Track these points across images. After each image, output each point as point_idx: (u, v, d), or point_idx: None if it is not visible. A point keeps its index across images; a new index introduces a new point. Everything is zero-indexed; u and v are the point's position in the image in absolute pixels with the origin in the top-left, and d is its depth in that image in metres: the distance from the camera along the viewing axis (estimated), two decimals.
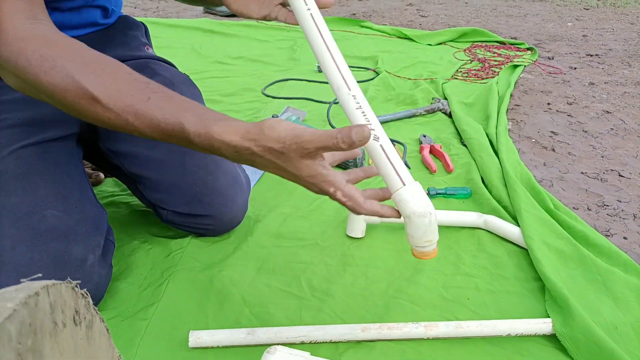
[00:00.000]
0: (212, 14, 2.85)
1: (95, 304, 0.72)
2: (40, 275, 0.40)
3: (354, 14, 2.87)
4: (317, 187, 0.56)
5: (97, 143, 0.87)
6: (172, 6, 3.06)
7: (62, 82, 0.54)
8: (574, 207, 1.05)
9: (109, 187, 1.10)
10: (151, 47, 0.98)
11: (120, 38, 0.89)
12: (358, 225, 0.92)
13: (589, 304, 0.76)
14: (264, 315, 0.75)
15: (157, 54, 0.98)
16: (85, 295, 0.37)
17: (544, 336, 0.72)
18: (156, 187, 0.85)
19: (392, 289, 0.81)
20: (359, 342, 0.70)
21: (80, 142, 0.85)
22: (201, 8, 2.97)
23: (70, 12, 0.81)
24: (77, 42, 0.58)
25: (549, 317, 0.74)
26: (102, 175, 1.11)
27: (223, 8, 2.78)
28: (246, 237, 0.93)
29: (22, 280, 0.30)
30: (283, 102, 1.57)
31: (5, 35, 0.55)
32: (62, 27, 0.78)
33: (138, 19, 0.98)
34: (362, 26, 2.55)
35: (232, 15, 2.77)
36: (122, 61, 0.84)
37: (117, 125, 0.56)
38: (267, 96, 1.64)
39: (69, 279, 0.34)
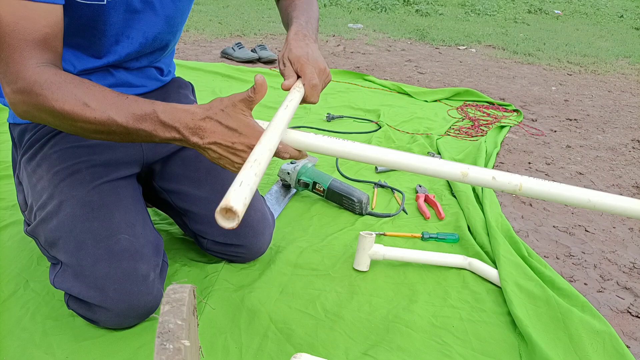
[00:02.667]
0: (228, 59, 3.09)
1: (153, 312, 0.89)
2: (185, 280, 0.58)
3: (358, 67, 3.12)
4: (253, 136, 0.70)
5: (152, 182, 1.05)
6: (190, 49, 3.31)
7: (63, 96, 0.70)
8: (545, 256, 1.24)
9: (151, 216, 1.28)
10: (197, 102, 1.17)
11: (174, 96, 1.08)
12: (363, 260, 1.10)
13: (549, 340, 0.93)
14: (287, 331, 0.92)
15: None
16: (197, 297, 0.56)
17: None
18: (200, 220, 1.03)
19: (391, 315, 0.98)
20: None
21: (139, 181, 1.04)
22: (217, 52, 3.21)
23: (136, 71, 1.01)
24: (79, 78, 0.74)
25: (519, 348, 0.92)
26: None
27: (239, 54, 3.03)
28: (269, 265, 1.10)
29: (172, 282, 0.49)
30: None
31: (24, 71, 0.71)
32: (129, 85, 0.98)
33: None
34: (366, 79, 2.80)
35: (248, 61, 3.01)
36: None
37: (100, 121, 0.70)
38: None
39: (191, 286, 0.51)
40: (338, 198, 1.36)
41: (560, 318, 0.99)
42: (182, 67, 2.71)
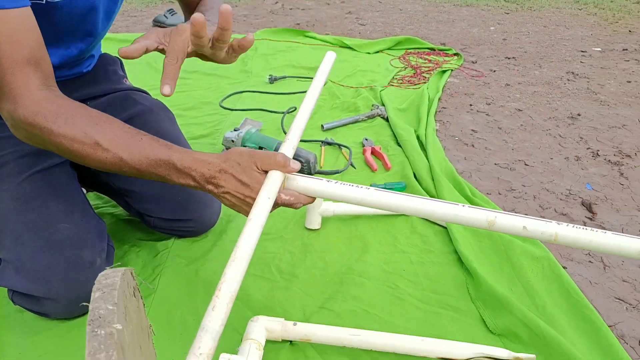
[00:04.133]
0: (161, 27, 2.96)
1: None
2: (119, 263, 0.57)
3: (298, 24, 3.06)
4: None
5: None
6: (120, 20, 3.14)
7: (71, 133, 0.68)
8: (487, 193, 1.29)
9: (92, 200, 1.24)
10: (127, 77, 1.13)
11: (103, 74, 1.04)
12: (314, 218, 1.12)
13: (494, 272, 0.99)
14: (244, 297, 0.94)
15: None
16: (137, 278, 0.55)
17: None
18: (143, 199, 1.01)
19: (344, 268, 1.01)
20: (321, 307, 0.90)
21: (73, 166, 1.00)
22: (149, 21, 3.07)
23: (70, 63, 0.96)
24: (81, 104, 0.73)
25: (466, 283, 0.97)
26: (84, 190, 1.25)
27: (172, 21, 2.90)
28: (221, 235, 1.10)
29: (106, 267, 0.48)
30: (240, 114, 1.75)
31: (23, 100, 0.69)
32: (61, 66, 0.93)
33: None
34: (307, 36, 2.75)
35: None
36: (107, 94, 1.00)
37: (110, 162, 0.70)
38: (225, 108, 1.81)
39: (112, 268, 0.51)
40: None
41: (502, 250, 1.04)
42: (112, 41, 2.58)
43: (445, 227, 1.12)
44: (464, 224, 0.68)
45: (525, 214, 1.20)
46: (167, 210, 1.01)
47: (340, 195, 0.73)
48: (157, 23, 2.99)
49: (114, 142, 0.70)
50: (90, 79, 0.99)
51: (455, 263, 1.03)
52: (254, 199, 0.70)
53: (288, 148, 0.79)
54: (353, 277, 0.98)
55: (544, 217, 1.19)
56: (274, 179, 0.72)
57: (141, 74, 2.15)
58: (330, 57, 0.98)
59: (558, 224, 0.65)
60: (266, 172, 0.72)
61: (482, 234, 1.09)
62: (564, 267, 1.01)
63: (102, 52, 1.09)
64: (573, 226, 0.65)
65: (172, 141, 1.00)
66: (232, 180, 0.71)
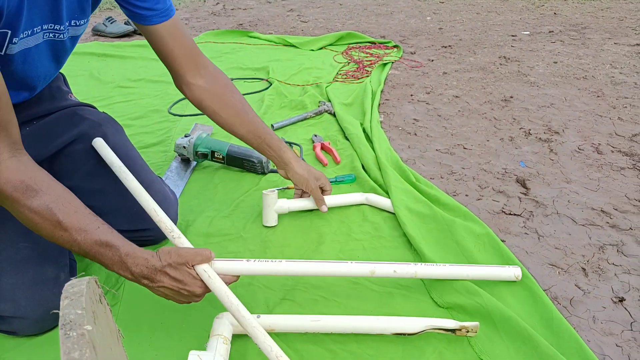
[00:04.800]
0: (101, 36, 2.90)
1: None
2: (83, 273, 0.61)
3: (241, 24, 3.08)
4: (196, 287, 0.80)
5: None
6: None
7: (38, 208, 0.73)
8: (431, 178, 1.38)
9: None
10: (71, 92, 1.13)
11: (47, 92, 1.04)
12: (271, 216, 1.17)
13: (440, 250, 1.07)
14: (209, 296, 0.97)
15: None
16: (101, 286, 0.59)
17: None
18: (99, 212, 1.02)
19: (304, 258, 1.07)
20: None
21: None
22: (88, 31, 3.00)
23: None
24: (51, 178, 0.77)
25: (414, 262, 1.05)
26: None
27: (112, 29, 2.85)
28: None
29: (71, 278, 0.52)
30: (190, 120, 1.77)
31: None
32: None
33: None
34: (250, 36, 2.78)
35: (123, 35, 2.85)
36: (53, 112, 1.02)
37: (64, 241, 0.75)
38: (174, 115, 1.82)
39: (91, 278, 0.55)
40: (239, 162, 1.40)
41: (447, 229, 1.13)
42: None
43: (394, 214, 1.20)
44: (353, 275, 0.91)
45: (466, 195, 1.30)
46: (124, 222, 1.03)
47: (259, 271, 0.88)
48: (97, 32, 2.93)
49: (74, 225, 0.74)
50: (34, 100, 1.00)
51: (404, 245, 1.11)
52: (188, 292, 0.79)
53: (185, 242, 0.89)
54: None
55: (482, 196, 1.29)
56: (209, 271, 0.81)
57: (85, 86, 2.13)
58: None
59: (415, 264, 0.92)
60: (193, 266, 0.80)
61: (427, 216, 1.17)
62: (503, 241, 1.11)
63: None
64: (432, 265, 0.94)
65: (122, 154, 1.04)
66: (167, 278, 0.78)
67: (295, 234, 1.16)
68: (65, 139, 1.00)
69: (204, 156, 1.41)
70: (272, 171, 1.41)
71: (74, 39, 0.94)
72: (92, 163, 1.02)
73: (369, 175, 1.36)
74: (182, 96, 1.97)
